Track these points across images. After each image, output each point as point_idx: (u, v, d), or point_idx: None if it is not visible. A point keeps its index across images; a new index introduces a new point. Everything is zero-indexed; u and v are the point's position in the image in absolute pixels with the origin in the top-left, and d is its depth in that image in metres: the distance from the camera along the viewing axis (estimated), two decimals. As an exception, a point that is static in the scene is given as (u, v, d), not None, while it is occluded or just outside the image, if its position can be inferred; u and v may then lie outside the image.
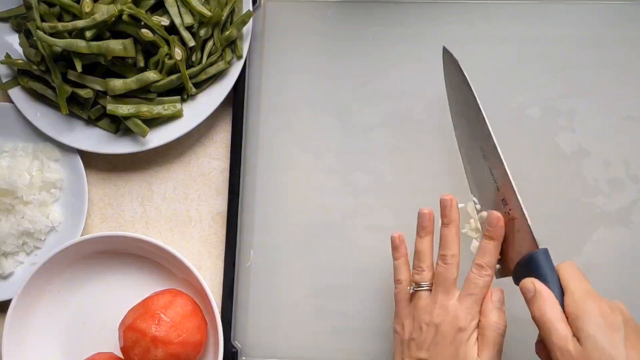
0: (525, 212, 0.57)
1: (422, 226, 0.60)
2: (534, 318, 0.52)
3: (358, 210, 0.69)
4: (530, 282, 0.54)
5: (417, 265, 0.59)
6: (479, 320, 0.56)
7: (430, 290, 0.58)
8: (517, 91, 0.69)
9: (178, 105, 0.70)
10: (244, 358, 0.68)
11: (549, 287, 0.53)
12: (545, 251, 0.56)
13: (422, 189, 0.68)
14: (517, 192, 0.58)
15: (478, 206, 0.62)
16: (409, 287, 0.59)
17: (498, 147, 0.59)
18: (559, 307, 0.51)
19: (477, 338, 0.55)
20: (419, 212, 0.60)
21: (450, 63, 0.63)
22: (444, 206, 0.59)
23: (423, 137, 0.70)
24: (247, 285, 0.69)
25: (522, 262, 0.56)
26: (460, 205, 0.66)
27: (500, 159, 0.59)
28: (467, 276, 0.57)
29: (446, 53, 0.64)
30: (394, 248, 0.61)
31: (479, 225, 0.62)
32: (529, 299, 0.53)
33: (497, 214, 0.58)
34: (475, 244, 0.62)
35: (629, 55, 0.69)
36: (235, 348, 0.68)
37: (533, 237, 0.56)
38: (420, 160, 0.69)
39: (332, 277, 0.69)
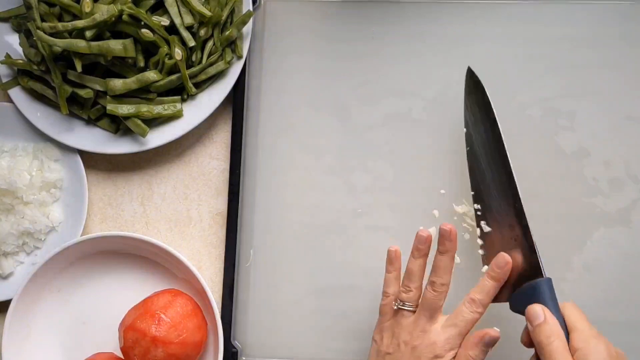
0: (534, 240, 0.57)
1: (418, 248, 0.59)
2: (538, 344, 0.52)
3: (358, 210, 0.69)
4: (540, 309, 0.54)
5: (405, 284, 0.59)
6: (457, 352, 0.56)
7: (414, 311, 0.58)
8: (517, 91, 0.69)
9: (178, 105, 0.70)
10: (244, 358, 0.68)
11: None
12: (550, 280, 0.56)
13: (422, 189, 0.68)
14: (528, 220, 0.58)
15: (479, 213, 0.62)
16: (394, 303, 0.59)
17: (515, 177, 0.59)
18: (565, 340, 0.52)
19: None
20: (417, 233, 0.60)
21: (475, 86, 0.64)
22: (442, 235, 0.58)
23: (423, 137, 0.70)
24: (247, 285, 0.69)
25: (524, 289, 0.56)
26: (459, 207, 0.67)
27: (515, 188, 0.59)
28: (457, 308, 0.57)
29: (471, 74, 0.65)
30: (389, 261, 0.61)
31: (477, 233, 0.62)
32: (536, 325, 0.53)
33: (506, 257, 0.57)
34: (484, 268, 0.62)
35: (629, 55, 0.69)
36: (235, 348, 0.68)
37: (540, 264, 0.56)
38: (420, 160, 0.69)
39: (332, 277, 0.69)
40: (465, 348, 0.55)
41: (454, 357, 0.56)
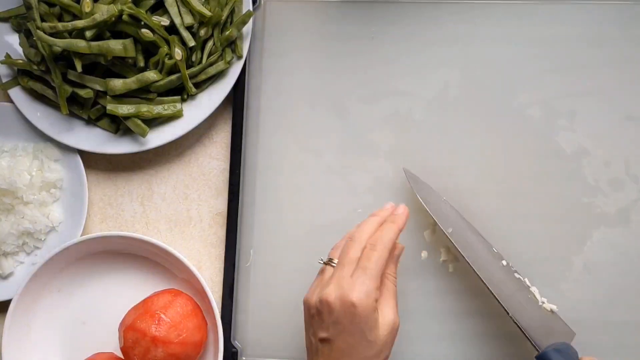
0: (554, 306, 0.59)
1: (374, 213, 0.60)
2: None
3: (358, 210, 0.69)
4: None
5: (337, 244, 0.59)
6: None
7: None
8: (517, 91, 0.69)
9: (178, 105, 0.70)
10: (244, 358, 0.68)
11: None
12: (566, 347, 0.57)
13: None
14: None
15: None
16: (319, 260, 0.58)
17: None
18: None
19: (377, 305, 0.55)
20: (385, 204, 0.61)
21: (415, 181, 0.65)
22: (383, 206, 0.61)
23: (423, 137, 0.70)
24: (247, 285, 0.69)
25: (552, 349, 0.56)
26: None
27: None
28: (362, 254, 0.56)
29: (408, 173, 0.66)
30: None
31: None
32: None
33: (403, 207, 0.60)
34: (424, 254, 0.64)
35: (629, 55, 0.69)
36: (235, 348, 0.68)
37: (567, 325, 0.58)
38: (420, 160, 0.69)
39: (332, 277, 0.69)
40: (385, 272, 0.56)
41: (375, 302, 0.54)
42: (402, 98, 0.71)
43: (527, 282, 0.61)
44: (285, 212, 0.70)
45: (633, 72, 0.69)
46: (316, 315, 0.55)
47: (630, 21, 0.69)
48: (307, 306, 0.56)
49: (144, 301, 0.66)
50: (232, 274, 0.69)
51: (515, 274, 0.61)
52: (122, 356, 0.66)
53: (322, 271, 0.58)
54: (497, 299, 0.58)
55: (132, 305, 0.67)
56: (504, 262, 0.61)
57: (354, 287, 0.53)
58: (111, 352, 0.68)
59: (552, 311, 0.60)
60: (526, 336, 0.57)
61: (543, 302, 0.60)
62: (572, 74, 0.69)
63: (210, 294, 0.66)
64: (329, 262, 0.57)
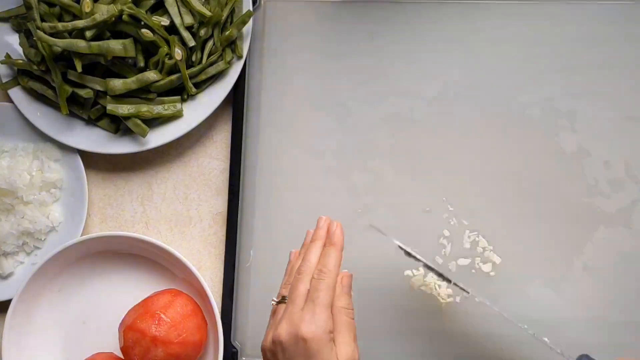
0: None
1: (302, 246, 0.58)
2: None
3: (358, 210, 0.69)
4: None
5: (283, 281, 0.57)
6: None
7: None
8: (518, 91, 0.69)
9: (178, 105, 0.70)
10: (244, 358, 0.68)
11: None
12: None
13: (421, 188, 0.68)
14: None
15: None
16: (272, 301, 0.55)
17: None
18: None
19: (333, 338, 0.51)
20: (319, 221, 0.58)
21: None
22: (317, 224, 0.57)
23: (423, 137, 0.70)
24: (247, 285, 0.69)
25: None
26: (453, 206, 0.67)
27: None
28: (310, 284, 0.53)
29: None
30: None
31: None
32: None
33: (336, 223, 0.57)
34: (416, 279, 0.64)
35: (629, 55, 0.69)
36: (235, 348, 0.68)
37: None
38: (420, 160, 0.69)
39: (332, 277, 0.69)
40: (334, 303, 0.53)
41: (331, 333, 0.51)
42: (402, 98, 0.71)
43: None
44: (285, 212, 0.70)
45: (633, 73, 0.69)
46: (271, 358, 0.52)
47: (631, 21, 0.69)
48: (263, 352, 0.53)
49: (144, 301, 0.66)
50: (232, 274, 0.69)
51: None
52: (122, 356, 0.66)
53: (274, 312, 0.55)
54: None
55: (132, 305, 0.67)
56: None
57: (303, 320, 0.50)
58: (111, 352, 0.68)
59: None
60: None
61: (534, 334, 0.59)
62: (573, 74, 0.69)
63: (210, 294, 0.66)
64: (281, 300, 0.54)
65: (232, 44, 0.71)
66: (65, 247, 0.67)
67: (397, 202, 0.69)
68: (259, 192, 0.71)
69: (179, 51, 0.68)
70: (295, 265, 0.56)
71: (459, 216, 0.67)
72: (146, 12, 0.67)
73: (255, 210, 0.70)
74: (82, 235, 0.70)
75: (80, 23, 0.65)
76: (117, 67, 0.69)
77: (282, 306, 0.53)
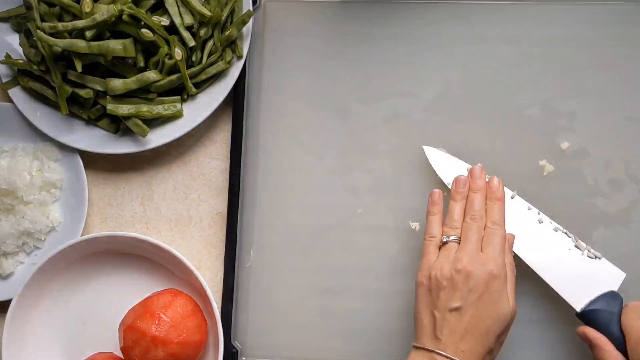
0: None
1: (458, 191, 0.63)
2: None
3: (358, 211, 0.69)
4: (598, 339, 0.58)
5: (449, 223, 0.61)
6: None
7: (459, 243, 0.60)
8: (517, 91, 0.69)
9: (178, 105, 0.70)
10: (244, 358, 0.68)
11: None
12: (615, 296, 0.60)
13: (421, 188, 0.68)
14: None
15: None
16: (441, 239, 0.61)
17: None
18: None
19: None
20: (455, 178, 0.63)
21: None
22: (473, 175, 0.63)
23: (423, 137, 0.70)
24: (247, 286, 0.69)
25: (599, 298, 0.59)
26: None
27: None
28: (485, 235, 0.60)
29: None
30: (432, 203, 0.63)
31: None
32: (595, 353, 0.58)
33: (496, 178, 0.63)
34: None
35: (629, 55, 0.69)
36: (235, 348, 0.68)
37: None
38: (420, 160, 0.69)
39: (332, 278, 0.69)
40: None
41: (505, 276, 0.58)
42: (402, 98, 0.71)
43: (571, 235, 0.63)
44: (285, 213, 0.70)
45: (633, 73, 0.69)
46: (448, 286, 0.57)
47: (630, 22, 0.69)
48: (434, 280, 0.58)
49: (144, 301, 0.66)
50: (232, 274, 0.69)
51: (556, 230, 0.63)
52: (122, 356, 0.66)
53: (445, 248, 0.60)
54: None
55: (132, 305, 0.67)
56: (541, 219, 0.64)
57: (488, 259, 0.57)
58: (111, 352, 0.68)
59: (597, 258, 0.62)
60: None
61: (588, 250, 0.62)
62: (572, 75, 0.69)
63: (210, 294, 0.66)
64: (450, 239, 0.60)
65: (232, 44, 0.71)
66: (65, 247, 0.67)
67: (397, 202, 0.69)
68: (259, 192, 0.71)
69: (179, 51, 0.68)
70: (456, 209, 0.62)
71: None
72: (146, 12, 0.67)
73: (255, 210, 0.70)
74: (82, 235, 0.70)
75: (80, 23, 0.65)
76: (117, 67, 0.69)
77: (453, 245, 0.60)
